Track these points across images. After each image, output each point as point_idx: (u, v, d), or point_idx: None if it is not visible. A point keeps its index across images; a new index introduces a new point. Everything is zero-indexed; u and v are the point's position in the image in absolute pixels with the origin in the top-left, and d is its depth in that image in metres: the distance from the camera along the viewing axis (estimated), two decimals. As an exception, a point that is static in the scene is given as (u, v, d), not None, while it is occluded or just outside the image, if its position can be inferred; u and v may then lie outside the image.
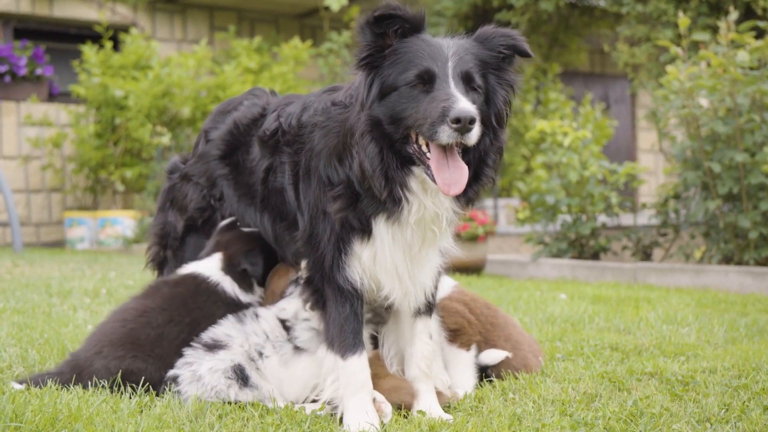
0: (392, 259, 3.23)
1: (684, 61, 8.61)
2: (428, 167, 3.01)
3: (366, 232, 3.23)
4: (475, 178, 3.12)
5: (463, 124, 2.86)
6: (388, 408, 3.29)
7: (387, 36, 3.09)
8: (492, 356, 3.89)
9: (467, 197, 3.15)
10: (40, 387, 3.41)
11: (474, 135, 2.92)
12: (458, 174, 2.98)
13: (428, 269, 3.33)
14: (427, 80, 3.00)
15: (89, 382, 3.43)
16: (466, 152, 3.07)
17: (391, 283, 3.28)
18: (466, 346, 3.85)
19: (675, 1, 10.49)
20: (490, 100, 3.13)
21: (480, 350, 3.89)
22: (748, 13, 10.33)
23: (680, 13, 8.83)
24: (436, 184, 2.99)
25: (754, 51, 8.06)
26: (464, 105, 2.88)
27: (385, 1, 3.10)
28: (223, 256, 3.78)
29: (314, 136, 3.43)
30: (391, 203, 3.11)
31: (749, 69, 8.14)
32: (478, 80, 3.07)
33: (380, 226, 3.21)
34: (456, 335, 3.85)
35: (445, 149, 2.99)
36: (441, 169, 2.98)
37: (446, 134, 2.89)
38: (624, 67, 11.37)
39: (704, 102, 8.16)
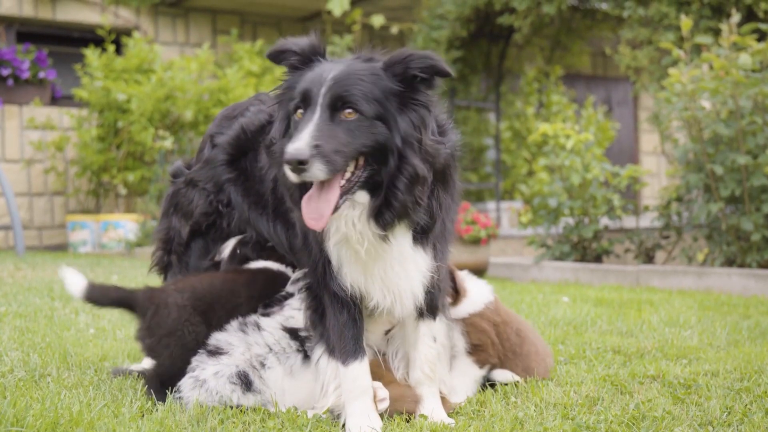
0: (354, 275, 3.23)
1: (686, 63, 8.60)
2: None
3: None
4: (386, 204, 3.04)
5: (292, 167, 2.85)
6: (384, 393, 3.32)
7: (288, 70, 3.18)
8: (503, 376, 3.88)
9: (384, 221, 3.07)
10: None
11: (314, 173, 2.86)
12: (323, 207, 2.96)
13: (405, 279, 3.26)
14: (304, 108, 3.02)
15: (153, 312, 3.49)
16: (374, 175, 3.03)
17: (371, 292, 3.27)
18: (481, 363, 3.82)
19: (677, 4, 10.47)
20: (392, 124, 3.00)
21: (491, 371, 3.88)
22: (750, 16, 10.31)
23: (682, 16, 8.84)
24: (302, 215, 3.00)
25: (756, 53, 8.06)
26: (296, 146, 2.84)
27: (280, 39, 3.19)
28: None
29: None
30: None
31: (751, 71, 8.12)
32: (359, 104, 2.97)
33: (329, 245, 3.23)
34: (475, 350, 3.82)
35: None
36: (309, 201, 2.99)
37: (290, 174, 2.91)
38: (626, 69, 11.35)
39: (706, 104, 8.16)
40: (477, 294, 3.89)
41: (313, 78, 3.03)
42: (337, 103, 2.97)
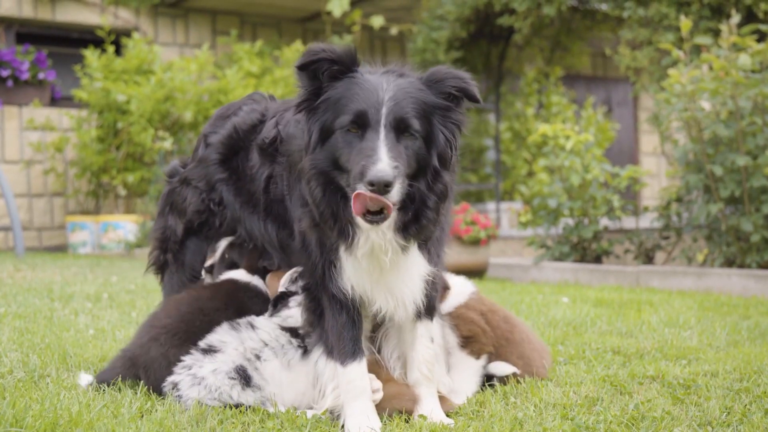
0: (358, 281, 3.26)
1: (686, 64, 8.60)
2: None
3: (337, 251, 3.26)
4: (415, 219, 3.10)
5: (377, 187, 2.84)
6: (377, 383, 3.35)
7: (319, 79, 3.10)
8: (501, 368, 3.87)
9: (408, 233, 3.11)
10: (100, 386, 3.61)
11: (394, 195, 2.89)
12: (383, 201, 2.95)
13: (406, 286, 3.30)
14: (360, 126, 2.99)
15: (144, 374, 3.56)
16: (407, 194, 3.04)
17: (372, 299, 3.30)
18: (476, 354, 3.82)
19: (676, 5, 10.47)
20: (432, 142, 3.09)
21: (490, 362, 3.88)
22: (749, 17, 10.31)
23: (682, 17, 8.84)
24: (353, 212, 2.97)
25: (756, 54, 8.06)
26: (381, 167, 2.85)
27: (310, 45, 3.12)
28: (244, 266, 3.92)
29: (291, 148, 3.47)
30: (343, 239, 3.13)
31: (751, 72, 8.13)
32: (416, 125, 3.02)
33: (342, 254, 3.24)
34: (468, 342, 3.82)
35: None
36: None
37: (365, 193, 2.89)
38: (626, 70, 11.34)
39: (706, 105, 8.15)
40: (459, 287, 3.91)
41: (367, 96, 3.02)
42: (399, 125, 3.00)
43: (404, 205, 3.05)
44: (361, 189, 2.87)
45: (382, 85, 3.05)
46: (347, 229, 3.09)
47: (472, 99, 3.16)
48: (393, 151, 2.93)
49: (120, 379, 3.63)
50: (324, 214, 3.10)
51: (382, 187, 2.84)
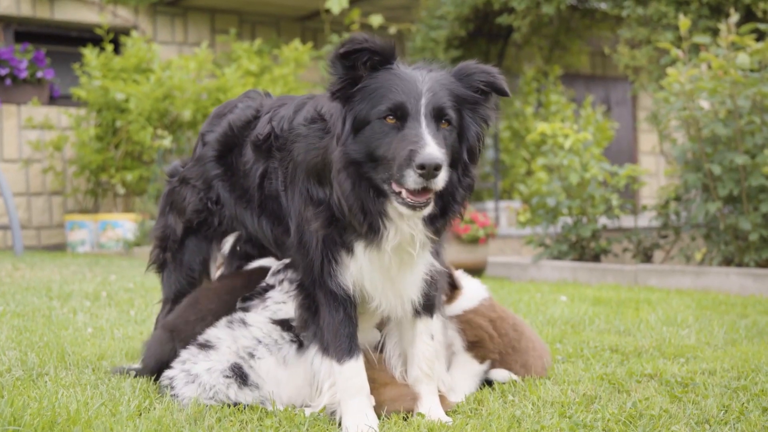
0: (371, 277, 3.26)
1: (684, 63, 8.60)
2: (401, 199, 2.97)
3: (349, 248, 3.25)
4: (442, 213, 3.12)
5: (428, 170, 2.84)
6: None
7: (357, 68, 3.09)
8: (501, 375, 3.88)
9: (435, 227, 3.15)
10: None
11: (441, 180, 2.90)
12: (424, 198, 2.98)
13: (411, 283, 3.32)
14: (399, 116, 2.99)
15: (182, 347, 3.61)
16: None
17: (377, 296, 3.30)
18: (480, 358, 3.83)
19: (675, 4, 10.47)
20: (463, 135, 3.12)
21: (492, 367, 3.88)
22: (748, 16, 10.31)
23: (680, 16, 8.84)
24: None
25: (755, 53, 8.06)
26: (430, 150, 2.86)
27: (353, 34, 3.11)
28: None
29: (296, 146, 3.45)
30: (372, 234, 3.12)
31: (749, 71, 8.13)
32: (452, 116, 3.05)
33: (360, 249, 3.23)
34: (473, 346, 3.83)
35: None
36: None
37: (412, 179, 2.88)
38: (625, 69, 11.35)
39: (705, 104, 8.16)
40: (472, 291, 3.91)
41: (406, 87, 3.03)
42: (438, 114, 3.02)
43: (434, 199, 3.06)
44: (410, 176, 2.87)
45: (418, 78, 3.06)
46: (377, 223, 3.09)
47: (501, 93, 3.18)
48: (436, 138, 2.96)
49: (154, 351, 3.71)
50: (353, 208, 3.07)
51: (432, 170, 2.84)
